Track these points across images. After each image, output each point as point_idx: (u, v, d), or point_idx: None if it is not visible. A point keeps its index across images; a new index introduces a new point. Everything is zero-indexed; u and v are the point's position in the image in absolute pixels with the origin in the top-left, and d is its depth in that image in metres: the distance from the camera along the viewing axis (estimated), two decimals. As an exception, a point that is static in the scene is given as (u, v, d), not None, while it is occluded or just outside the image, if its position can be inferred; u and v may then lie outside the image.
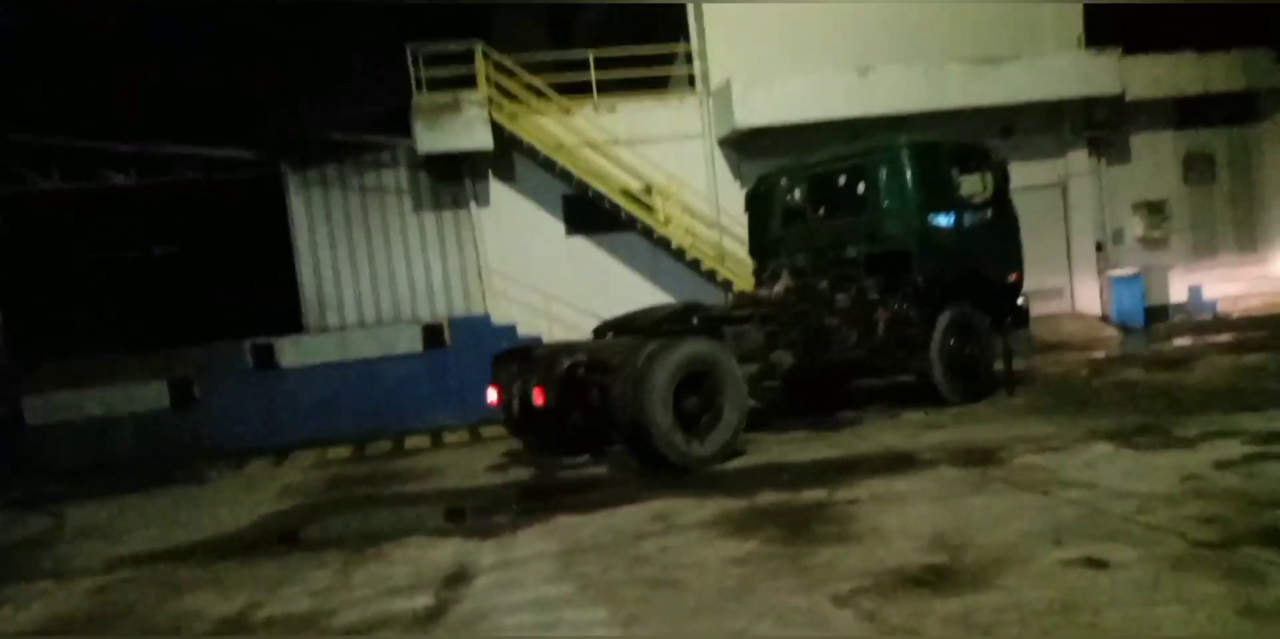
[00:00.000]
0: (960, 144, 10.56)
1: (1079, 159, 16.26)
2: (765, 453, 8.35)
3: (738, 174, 15.08)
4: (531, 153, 14.24)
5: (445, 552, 6.12)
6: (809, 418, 9.82)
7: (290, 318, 14.43)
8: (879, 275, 9.73)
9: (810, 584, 4.76)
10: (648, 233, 14.59)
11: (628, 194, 14.42)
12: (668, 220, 14.54)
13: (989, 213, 10.13)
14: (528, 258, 14.63)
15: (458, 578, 5.51)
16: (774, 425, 9.47)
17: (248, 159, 14.46)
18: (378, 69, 14.28)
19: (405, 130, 13.84)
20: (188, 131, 14.09)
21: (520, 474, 8.76)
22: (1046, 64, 14.97)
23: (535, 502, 7.52)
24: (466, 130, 13.71)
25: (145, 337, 15.41)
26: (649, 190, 14.63)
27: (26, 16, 13.04)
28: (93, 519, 8.59)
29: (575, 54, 14.93)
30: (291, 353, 12.88)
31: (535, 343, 9.46)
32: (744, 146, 15.00)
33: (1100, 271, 16.43)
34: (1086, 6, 15.79)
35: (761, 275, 10.97)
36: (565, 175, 14.22)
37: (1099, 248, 16.52)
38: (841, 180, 10.41)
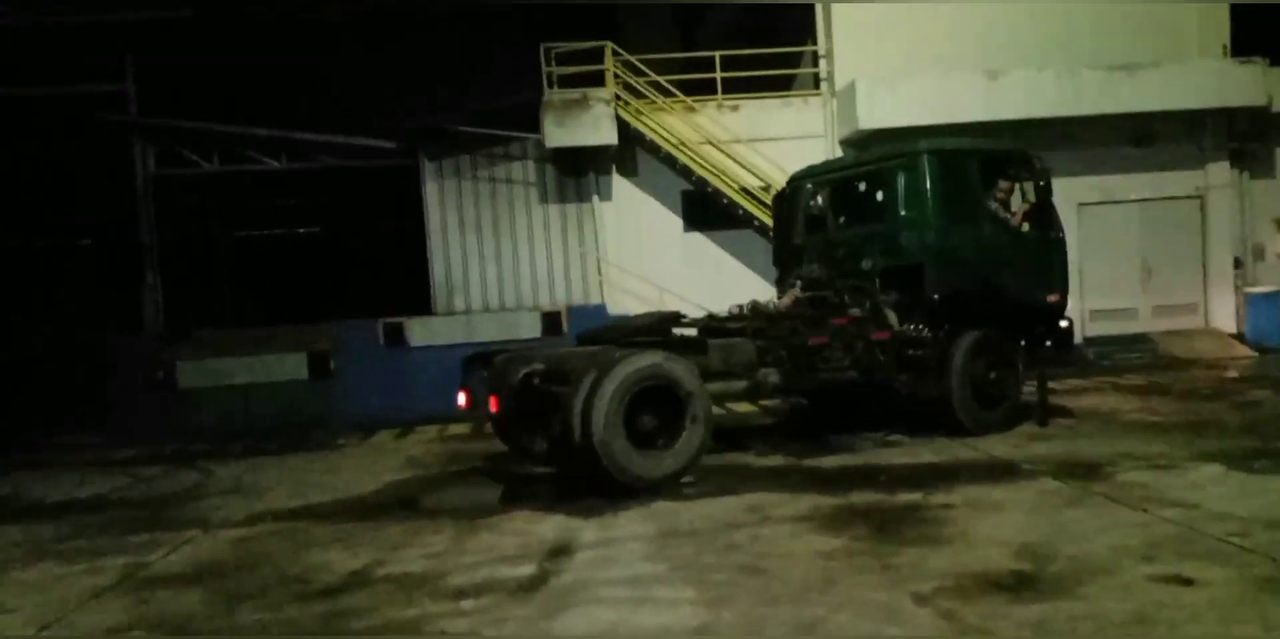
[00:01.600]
0: (995, 151, 9.78)
1: (1219, 171, 15.62)
2: (866, 455, 8.49)
3: (859, 176, 15.06)
4: (654, 149, 14.60)
5: (550, 527, 6.53)
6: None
7: (420, 299, 15.20)
8: (894, 290, 9.11)
9: (893, 581, 4.95)
10: (764, 230, 14.73)
11: (746, 192, 14.63)
12: (787, 220, 14.64)
13: (1026, 227, 9.38)
14: (645, 251, 15.01)
15: (560, 551, 5.90)
16: (876, 428, 9.55)
17: (389, 148, 15.27)
18: (512, 66, 14.85)
19: (535, 125, 14.39)
20: (335, 121, 14.99)
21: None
22: (1188, 72, 14.45)
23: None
24: (593, 126, 14.16)
25: (288, 311, 16.47)
26: (768, 189, 14.78)
27: (192, 11, 14.06)
28: (236, 477, 9.38)
29: (702, 53, 15.20)
30: (420, 332, 13.61)
31: (501, 349, 8.86)
32: (866, 148, 14.96)
33: (1237, 288, 15.76)
34: (1234, 16, 15.16)
35: (781, 285, 10.37)
36: (685, 172, 14.51)
37: (1237, 264, 15.85)
38: (861, 187, 9.78)
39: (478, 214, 15.24)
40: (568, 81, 14.52)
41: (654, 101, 14.69)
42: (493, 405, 7.78)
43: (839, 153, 15.19)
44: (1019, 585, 4.77)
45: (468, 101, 15.22)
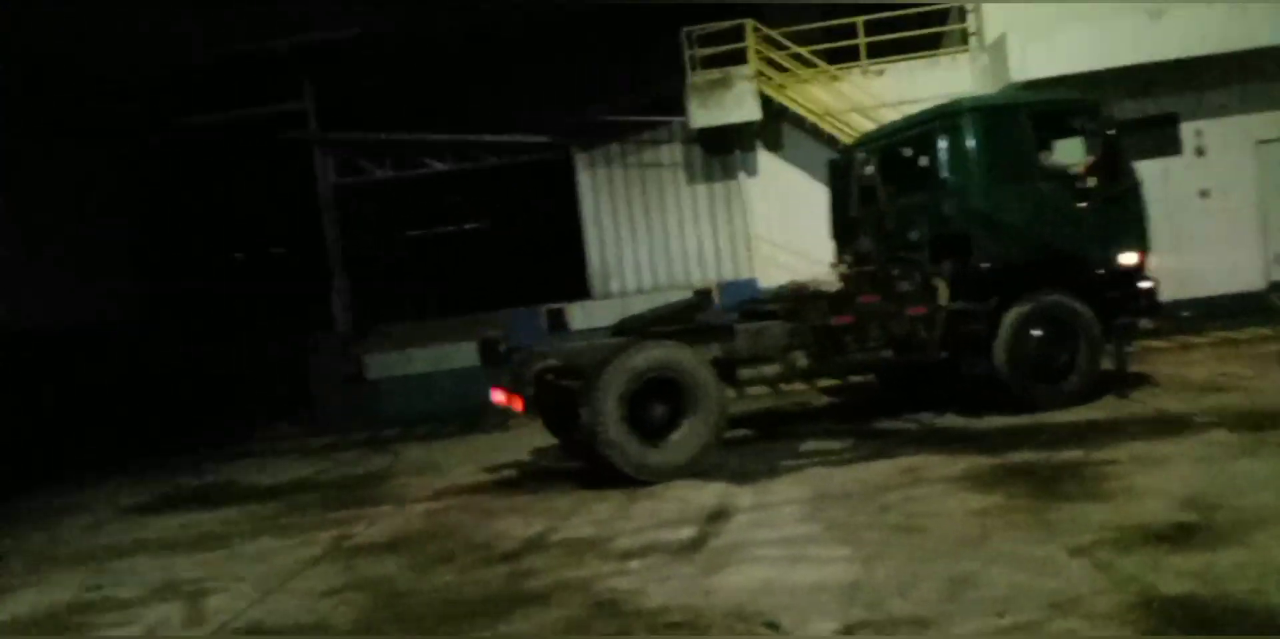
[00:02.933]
0: (1050, 102, 9.09)
1: None
2: (1027, 414, 8.35)
3: (1015, 130, 14.59)
4: (798, 121, 14.59)
5: (710, 493, 6.82)
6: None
7: (578, 285, 15.80)
8: (946, 261, 8.45)
9: (1048, 536, 4.97)
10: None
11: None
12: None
13: (1092, 184, 8.49)
14: (794, 224, 15.01)
15: (719, 515, 6.19)
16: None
17: (542, 143, 15.90)
18: (655, 52, 15.14)
19: (680, 108, 14.66)
20: (492, 121, 15.75)
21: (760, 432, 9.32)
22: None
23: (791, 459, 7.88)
24: (736, 104, 14.29)
25: (459, 303, 17.44)
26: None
27: (357, 30, 15.07)
28: (422, 458, 10.15)
29: (843, 21, 15.03)
30: (579, 316, 14.17)
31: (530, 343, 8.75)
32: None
33: None
34: None
35: (839, 261, 9.91)
36: (832, 141, 14.43)
37: None
38: (908, 152, 9.08)
39: (629, 199, 15.66)
40: (710, 62, 14.70)
41: (796, 74, 14.67)
42: (518, 404, 7.65)
43: (993, 110, 14.74)
44: (1181, 536, 4.72)
45: (614, 91, 15.63)
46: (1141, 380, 9.20)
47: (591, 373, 7.20)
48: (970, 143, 8.33)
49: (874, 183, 9.28)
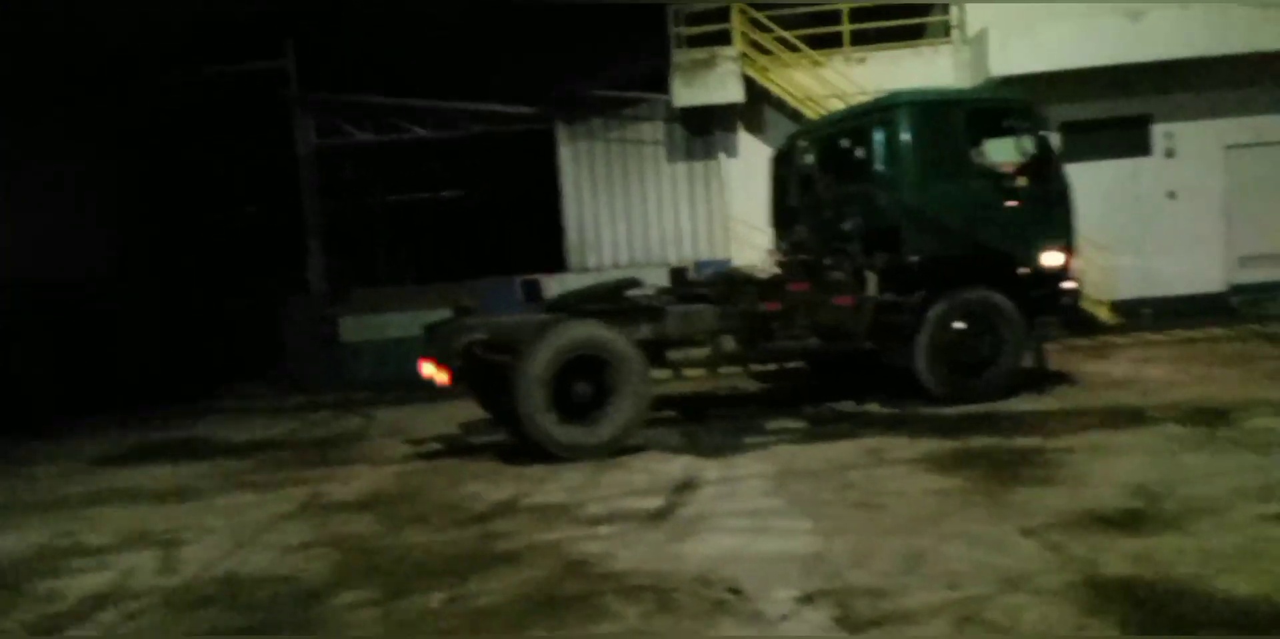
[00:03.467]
0: (985, 101, 9.25)
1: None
2: (990, 403, 8.58)
3: (993, 124, 14.81)
4: (780, 105, 14.69)
5: (677, 466, 6.99)
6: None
7: (555, 257, 15.86)
8: (877, 253, 8.57)
9: (1002, 517, 5.17)
10: (895, 184, 14.71)
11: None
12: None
13: (1023, 183, 8.64)
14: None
15: (686, 487, 6.35)
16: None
17: (526, 114, 15.88)
18: (640, 28, 15.14)
19: (664, 86, 14.70)
20: (476, 90, 15.69)
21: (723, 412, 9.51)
22: (1345, 6, 13.47)
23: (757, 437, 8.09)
24: (720, 84, 14.36)
25: (435, 270, 17.45)
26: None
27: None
28: (394, 420, 10.25)
29: (828, 6, 15.11)
30: (555, 289, 14.22)
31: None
32: (1001, 96, 14.67)
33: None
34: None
35: (775, 249, 10.03)
36: (814, 127, 14.57)
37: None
38: (845, 143, 9.19)
39: (609, 174, 15.72)
40: (695, 41, 14.75)
41: (780, 58, 14.75)
42: (445, 377, 7.55)
43: (972, 102, 14.95)
44: (1128, 522, 4.93)
45: (599, 65, 15.64)
46: (1063, 378, 9.52)
47: (517, 348, 7.22)
48: (904, 137, 8.39)
49: (812, 172, 9.42)
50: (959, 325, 8.47)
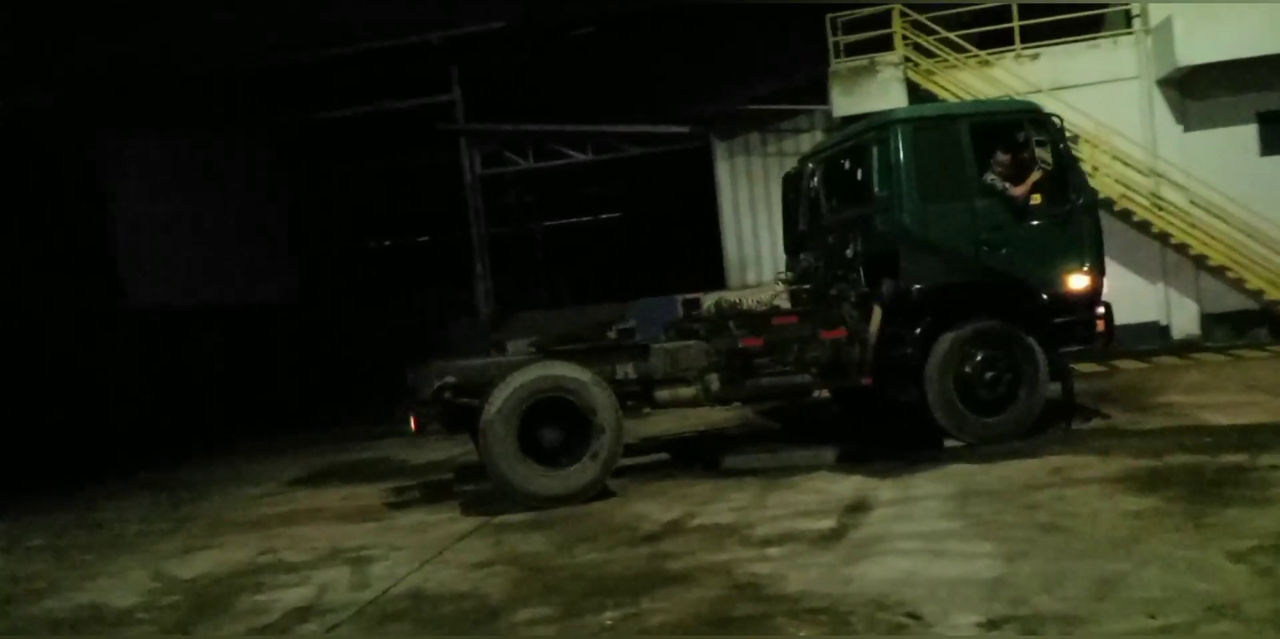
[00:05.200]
0: (991, 113, 8.45)
1: None
2: (1186, 416, 8.00)
3: (1181, 117, 13.93)
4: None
5: (848, 486, 6.84)
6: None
7: (714, 275, 15.88)
8: (881, 281, 7.82)
9: (1206, 540, 4.80)
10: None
11: (1049, 145, 13.94)
12: (1095, 170, 13.83)
13: (1039, 202, 7.82)
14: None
15: (858, 508, 6.21)
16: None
17: (681, 133, 16.04)
18: (798, 39, 15.06)
19: (822, 96, 14.54)
20: (632, 111, 15.99)
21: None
22: None
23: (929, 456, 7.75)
24: (881, 91, 14.08)
25: (595, 292, 17.80)
26: (1074, 139, 13.98)
27: (504, 24, 15.54)
28: None
29: (996, 3, 14.58)
30: (715, 307, 14.24)
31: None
32: (1188, 87, 13.76)
33: None
34: None
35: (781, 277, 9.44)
36: (981, 130, 14.04)
37: None
38: (846, 164, 8.61)
39: (767, 189, 15.59)
40: (854, 49, 14.54)
41: (945, 59, 14.33)
42: (413, 424, 7.27)
43: (1156, 96, 14.07)
44: (1353, 547, 4.49)
45: (755, 80, 15.63)
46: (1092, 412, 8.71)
47: (484, 391, 7.01)
48: (900, 157, 7.73)
49: (818, 196, 8.91)
50: (973, 359, 7.71)
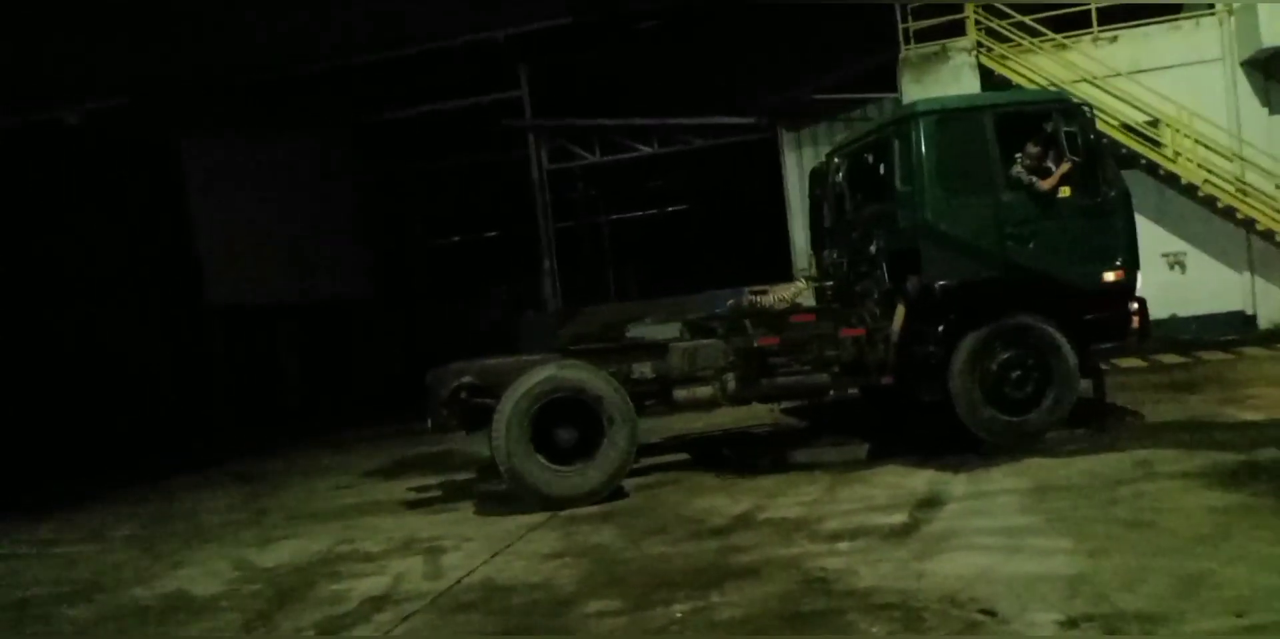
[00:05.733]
0: (1017, 103, 8.14)
1: None
2: (1274, 408, 7.70)
3: (1266, 100, 13.43)
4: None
5: (921, 480, 6.74)
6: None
7: (782, 267, 15.74)
8: (902, 277, 7.63)
9: (1299, 538, 4.63)
10: (1153, 169, 13.57)
11: (1129, 129, 13.53)
12: (1176, 155, 13.40)
13: (1068, 194, 7.52)
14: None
15: (931, 502, 6.11)
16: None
17: (748, 124, 15.93)
18: (864, 27, 14.84)
19: (891, 85, 14.30)
20: (698, 103, 15.93)
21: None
22: None
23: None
24: (953, 77, 13.81)
25: (661, 284, 17.79)
26: (1154, 124, 13.57)
27: (571, 20, 15.61)
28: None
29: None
30: (785, 299, 14.13)
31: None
32: (1274, 69, 13.27)
33: None
34: None
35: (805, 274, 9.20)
36: (1057, 116, 13.69)
37: None
38: (869, 159, 8.41)
39: (836, 180, 15.45)
40: (924, 36, 14.27)
41: (1019, 44, 13.99)
42: (430, 423, 7.38)
43: (1240, 79, 13.57)
44: None
45: (823, 69, 15.45)
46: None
47: (498, 392, 7.03)
48: (922, 150, 7.50)
49: (843, 191, 8.72)
50: (999, 358, 7.47)
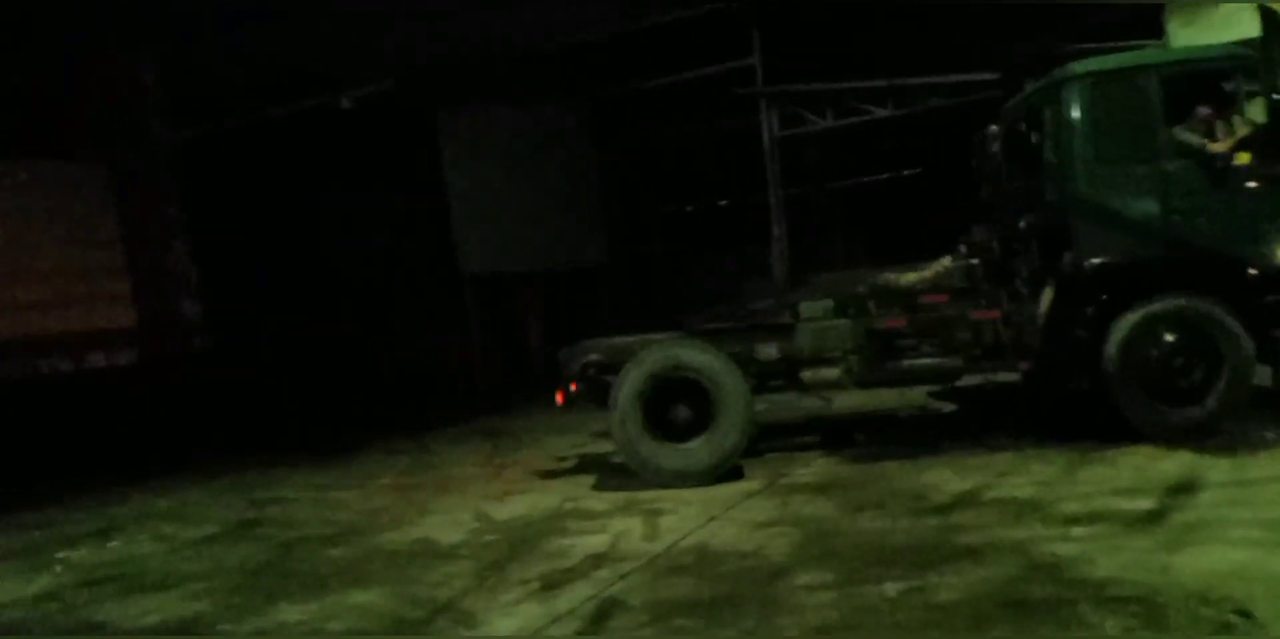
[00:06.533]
0: (1184, 61, 7.07)
1: None
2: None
3: None
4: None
5: (1173, 464, 6.18)
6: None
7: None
8: (1053, 255, 7.04)
9: None
10: None
11: None
12: None
13: (1247, 161, 6.55)
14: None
15: (1184, 489, 5.60)
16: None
17: (993, 80, 14.98)
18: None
19: (1156, 31, 13.01)
20: (937, 61, 15.15)
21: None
22: None
23: None
24: (1226, 21, 12.33)
25: (894, 251, 17.19)
26: None
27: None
28: (851, 403, 10.03)
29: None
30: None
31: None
32: None
33: None
34: None
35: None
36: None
37: None
38: (1023, 126, 7.73)
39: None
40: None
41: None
42: (559, 398, 7.53)
43: None
44: None
45: (1076, 15, 14.25)
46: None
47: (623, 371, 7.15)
48: (1075, 115, 6.86)
49: (999, 162, 8.21)
50: (1162, 343, 6.78)
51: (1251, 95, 6.71)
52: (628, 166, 20.11)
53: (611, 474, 7.84)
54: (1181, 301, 6.81)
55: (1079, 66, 7.18)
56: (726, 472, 7.11)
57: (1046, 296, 7.10)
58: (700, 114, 18.65)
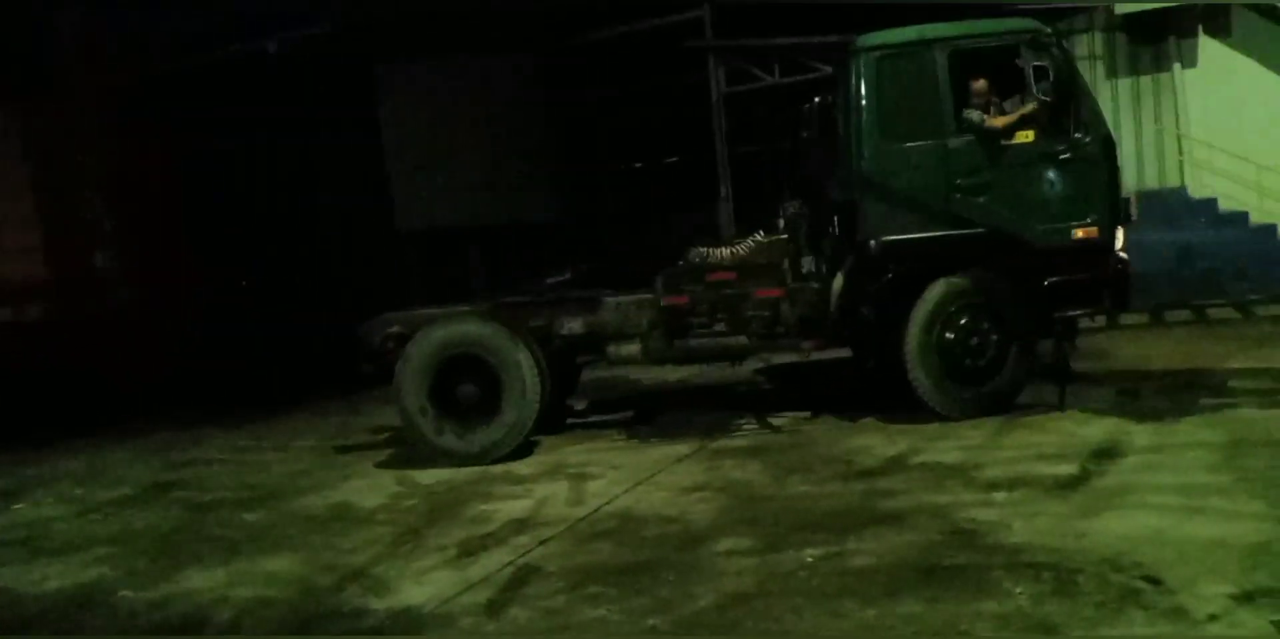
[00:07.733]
0: (971, 35, 6.79)
1: None
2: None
3: None
4: (1259, 6, 12.26)
5: (1099, 429, 6.22)
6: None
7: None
8: (849, 233, 6.95)
9: None
10: None
11: None
12: None
13: (1030, 138, 6.59)
14: (1244, 124, 12.80)
15: (1107, 453, 5.64)
16: None
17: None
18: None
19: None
20: (883, 17, 14.94)
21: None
22: None
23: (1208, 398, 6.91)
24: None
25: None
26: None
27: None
28: (788, 369, 9.93)
29: None
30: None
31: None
32: None
33: None
34: None
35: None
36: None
37: None
38: (830, 99, 7.69)
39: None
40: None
41: None
42: (360, 374, 7.44)
43: None
44: None
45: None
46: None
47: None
48: (861, 90, 6.73)
49: (812, 139, 8.18)
50: (956, 322, 6.73)
51: (1040, 71, 6.55)
52: (579, 123, 19.74)
53: (547, 437, 7.72)
54: (966, 280, 6.76)
55: (866, 39, 6.95)
56: (515, 450, 6.94)
57: (839, 276, 7.04)
58: (651, 69, 18.30)
